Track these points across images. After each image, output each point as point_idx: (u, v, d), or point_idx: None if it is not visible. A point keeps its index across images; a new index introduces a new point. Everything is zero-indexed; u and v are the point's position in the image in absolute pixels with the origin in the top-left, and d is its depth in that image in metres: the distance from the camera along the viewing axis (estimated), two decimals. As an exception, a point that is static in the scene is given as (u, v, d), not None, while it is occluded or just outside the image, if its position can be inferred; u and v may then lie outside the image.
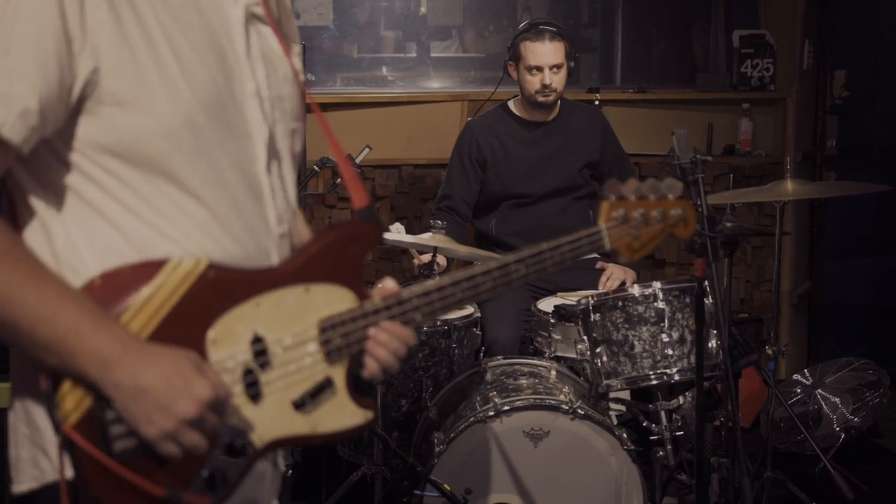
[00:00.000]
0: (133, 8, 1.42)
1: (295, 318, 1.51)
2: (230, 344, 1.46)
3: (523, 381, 3.45)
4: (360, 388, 1.59)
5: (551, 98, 4.17)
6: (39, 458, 1.45)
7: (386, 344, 1.56)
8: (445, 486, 3.19)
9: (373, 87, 5.35)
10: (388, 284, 1.60)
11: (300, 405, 1.51)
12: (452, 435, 3.23)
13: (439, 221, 3.69)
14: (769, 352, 3.86)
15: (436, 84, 5.43)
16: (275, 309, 1.49)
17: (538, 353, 3.76)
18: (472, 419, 3.23)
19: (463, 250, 3.74)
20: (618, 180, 1.80)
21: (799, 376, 4.51)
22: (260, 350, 1.47)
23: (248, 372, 1.47)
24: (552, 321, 3.73)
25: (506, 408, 3.24)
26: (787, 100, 5.28)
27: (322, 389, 1.53)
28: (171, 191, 1.46)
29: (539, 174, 4.25)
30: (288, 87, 1.63)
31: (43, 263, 1.39)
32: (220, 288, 1.45)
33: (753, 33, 5.30)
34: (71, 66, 1.39)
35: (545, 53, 4.13)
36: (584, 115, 4.37)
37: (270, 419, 1.49)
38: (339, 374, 1.55)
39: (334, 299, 1.55)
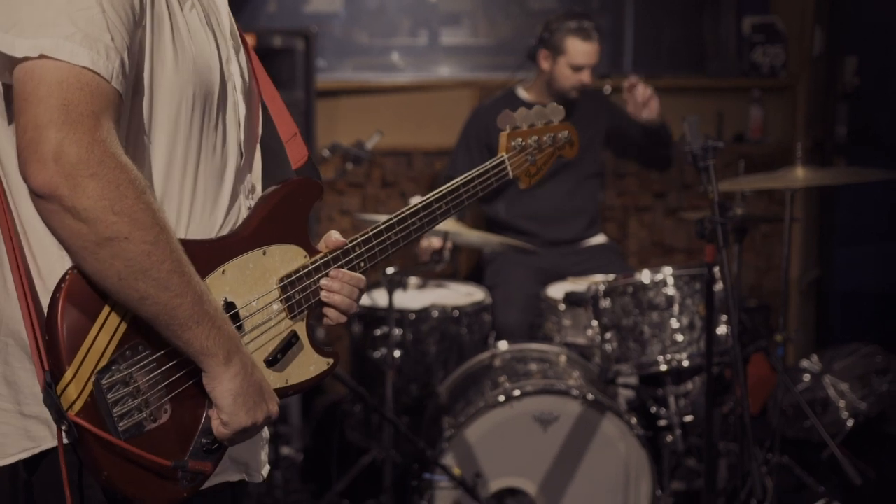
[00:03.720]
0: None
1: (258, 281, 1.59)
2: None
3: (533, 367, 3.47)
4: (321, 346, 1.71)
5: (580, 93, 4.22)
6: (32, 427, 1.48)
7: (339, 290, 1.68)
8: (455, 470, 3.21)
9: (383, 73, 5.35)
10: (333, 237, 1.71)
11: (272, 362, 1.59)
12: (462, 420, 3.25)
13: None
14: (778, 338, 3.87)
15: (446, 71, 5.43)
16: (239, 274, 1.56)
17: (547, 340, 3.77)
18: (482, 404, 3.25)
19: (474, 235, 3.75)
20: (511, 112, 1.95)
21: (807, 363, 4.52)
22: (232, 316, 1.54)
23: None
24: (562, 307, 3.75)
25: (516, 393, 3.26)
26: (798, 87, 5.27)
27: (290, 344, 1.62)
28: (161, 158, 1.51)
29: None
30: (246, 70, 1.69)
31: None
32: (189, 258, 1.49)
33: (764, 20, 5.29)
34: (136, 31, 1.44)
35: (591, 54, 4.17)
36: (589, 100, 4.38)
37: None
38: (301, 328, 1.65)
39: (288, 258, 1.64)
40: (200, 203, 1.55)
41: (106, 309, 1.41)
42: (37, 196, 1.34)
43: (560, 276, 4.04)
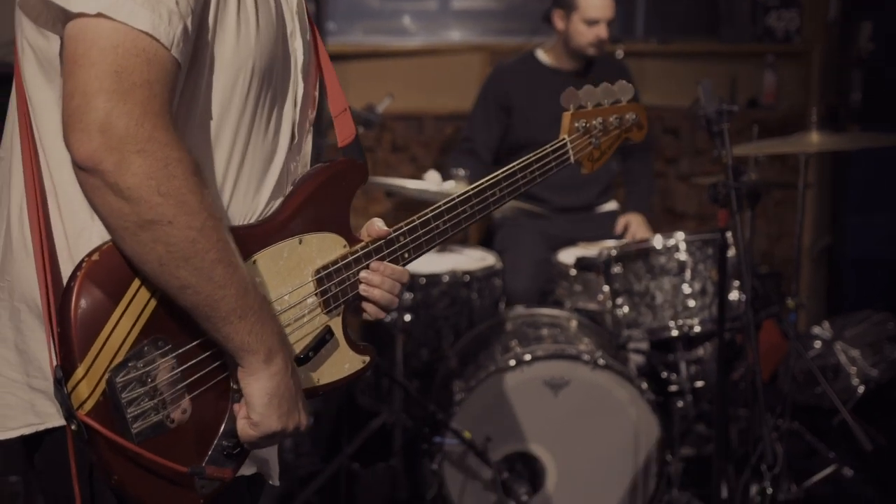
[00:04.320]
0: None
1: (291, 273, 1.48)
2: None
3: (544, 332, 3.47)
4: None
5: (600, 51, 4.17)
6: (39, 402, 1.40)
7: (379, 285, 1.56)
8: (466, 433, 3.21)
9: (394, 37, 5.32)
10: (376, 225, 1.59)
11: (303, 360, 1.49)
12: (473, 384, 3.25)
13: (462, 170, 3.69)
14: (790, 304, 3.85)
15: (457, 35, 5.39)
16: (273, 265, 1.45)
17: (558, 305, 3.77)
18: (492, 368, 3.25)
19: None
20: (575, 89, 1.80)
21: (818, 329, 4.50)
22: None
23: None
24: (573, 272, 3.74)
25: (527, 357, 3.25)
26: (812, 52, 5.22)
27: (323, 341, 1.51)
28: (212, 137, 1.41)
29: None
30: (309, 45, 1.59)
31: None
32: None
33: (778, -16, 5.24)
34: None
35: (605, 7, 4.12)
36: (612, 67, 4.35)
37: None
38: (336, 323, 1.54)
39: (326, 247, 1.53)
40: (244, 185, 1.45)
41: (125, 299, 1.31)
42: (79, 168, 1.25)
43: (571, 242, 4.02)
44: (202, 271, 1.28)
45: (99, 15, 1.22)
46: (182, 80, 1.33)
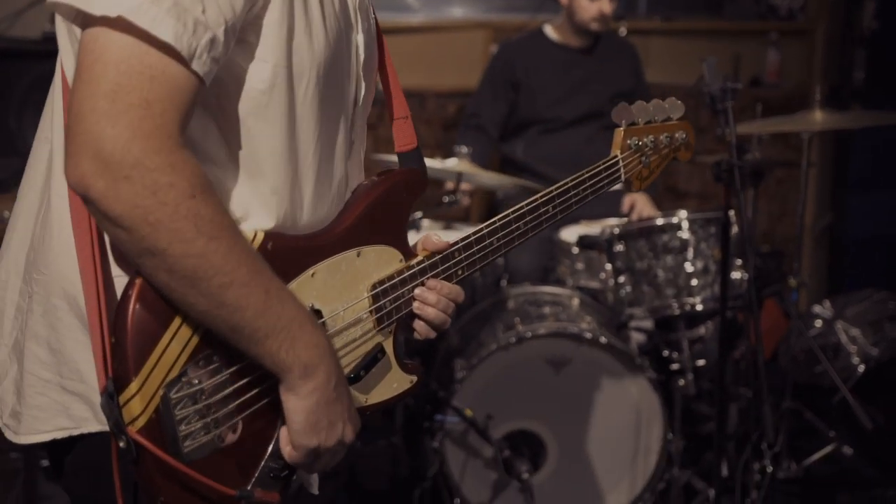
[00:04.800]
0: None
1: (347, 286, 1.43)
2: None
3: (546, 310, 3.47)
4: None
5: (604, 26, 4.15)
6: (73, 406, 1.34)
7: (435, 304, 1.51)
8: (467, 411, 3.21)
9: (397, 14, 5.29)
10: (433, 239, 1.55)
11: (354, 379, 1.44)
12: (474, 361, 3.25)
13: (464, 147, 3.68)
14: (792, 283, 3.86)
15: (460, 12, 5.36)
16: (330, 278, 1.41)
17: (560, 283, 3.76)
18: (494, 346, 3.25)
19: (488, 176, 3.73)
20: (627, 105, 1.75)
21: (819, 308, 4.50)
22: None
23: None
24: (575, 250, 3.73)
25: (528, 335, 3.25)
26: (816, 31, 5.20)
27: (374, 360, 1.47)
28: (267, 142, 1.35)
29: (570, 100, 4.23)
30: (372, 41, 1.53)
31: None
32: (278, 260, 1.32)
33: (783, -38, 5.21)
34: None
35: None
36: (618, 46, 4.34)
37: None
38: (388, 341, 1.50)
39: (383, 261, 1.48)
40: (306, 193, 1.38)
41: (180, 314, 1.25)
42: (73, 191, 1.18)
43: (573, 220, 4.01)
44: (211, 297, 1.21)
45: (119, 18, 1.15)
46: (237, 87, 1.29)
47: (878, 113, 4.01)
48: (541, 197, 1.64)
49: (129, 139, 1.14)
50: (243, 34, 1.27)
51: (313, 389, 1.30)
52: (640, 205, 4.04)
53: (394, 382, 1.52)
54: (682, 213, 3.47)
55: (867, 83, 5.29)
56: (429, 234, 1.56)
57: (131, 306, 1.22)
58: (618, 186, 1.77)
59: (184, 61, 1.18)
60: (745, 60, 5.18)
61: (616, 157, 1.73)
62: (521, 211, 1.62)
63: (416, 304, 1.52)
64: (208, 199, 1.20)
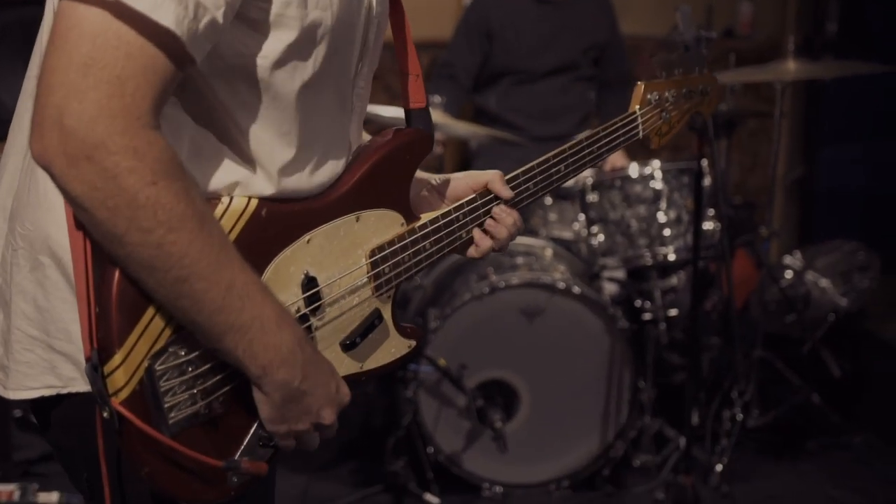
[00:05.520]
0: None
1: (345, 252, 1.39)
2: (283, 289, 1.33)
3: (519, 260, 3.47)
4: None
5: None
6: (61, 365, 1.31)
7: (510, 226, 1.55)
8: (440, 360, 3.22)
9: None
10: (497, 184, 1.55)
11: (350, 346, 1.41)
12: (448, 311, 3.25)
13: (437, 97, 3.66)
14: (763, 233, 3.88)
15: (432, -39, 5.31)
16: (327, 244, 1.37)
17: (533, 234, 3.77)
18: (467, 296, 3.26)
19: (461, 127, 3.71)
20: (649, 58, 1.71)
21: (790, 259, 4.54)
22: (312, 293, 1.36)
23: (300, 318, 1.35)
24: (548, 201, 3.74)
25: (502, 285, 3.26)
26: (789, -19, 5.20)
27: (371, 326, 1.43)
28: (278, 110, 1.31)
29: (544, 51, 4.20)
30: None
31: (224, 231, 1.23)
32: (272, 227, 1.30)
33: (756, -89, 5.19)
34: None
35: None
36: (596, 5, 4.30)
37: None
38: (386, 306, 1.46)
39: (384, 225, 1.43)
40: (314, 156, 1.35)
41: None
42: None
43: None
44: (168, 288, 1.17)
45: (117, 3, 1.09)
46: (247, 49, 1.24)
47: (850, 62, 4.02)
48: (554, 155, 1.60)
49: (93, 117, 1.09)
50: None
51: (275, 388, 1.26)
52: (614, 155, 4.04)
53: (391, 348, 1.49)
54: (655, 164, 3.48)
55: (840, 34, 5.30)
56: (494, 178, 1.55)
57: (116, 276, 1.18)
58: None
59: (171, 42, 1.13)
60: (718, 12, 5.16)
61: (634, 112, 1.67)
62: (533, 172, 1.58)
63: (489, 223, 1.53)
64: (171, 186, 1.13)
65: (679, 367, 3.95)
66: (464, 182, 1.59)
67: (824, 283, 4.37)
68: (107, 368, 1.19)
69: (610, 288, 3.68)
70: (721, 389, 3.60)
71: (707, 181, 3.30)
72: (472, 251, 1.56)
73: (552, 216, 3.73)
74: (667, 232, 3.44)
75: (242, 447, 1.31)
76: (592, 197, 3.50)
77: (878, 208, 5.46)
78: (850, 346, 4.35)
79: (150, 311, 1.20)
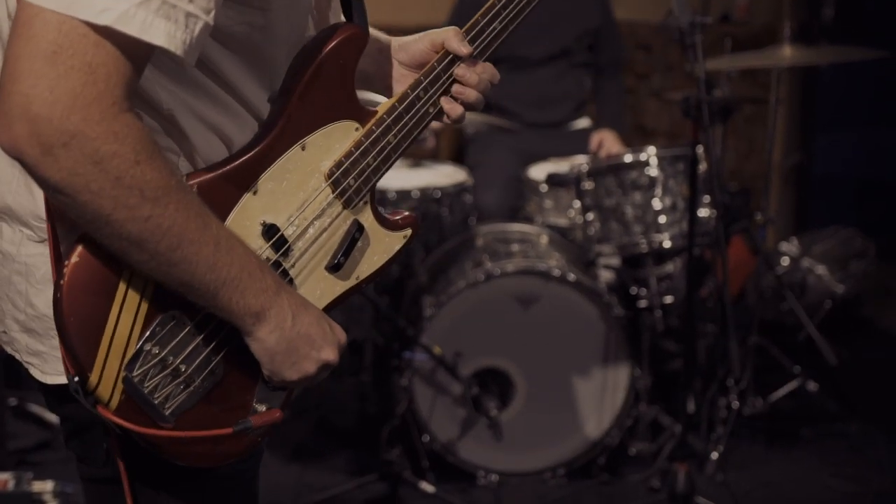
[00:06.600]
0: None
1: (300, 184, 1.35)
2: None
3: (515, 247, 3.46)
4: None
5: None
6: None
7: (476, 85, 1.50)
8: (436, 348, 3.22)
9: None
10: (453, 43, 1.51)
11: (336, 267, 1.39)
12: (443, 299, 3.24)
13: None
14: (759, 219, 3.87)
15: (426, -54, 5.28)
16: (276, 186, 1.33)
17: (529, 221, 3.76)
18: (462, 283, 3.24)
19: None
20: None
21: (786, 245, 4.53)
22: (276, 239, 1.33)
23: (273, 266, 1.34)
24: (544, 188, 3.72)
25: (497, 272, 3.25)
26: (786, -34, 5.18)
27: (353, 241, 1.40)
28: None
29: (539, 38, 4.18)
30: None
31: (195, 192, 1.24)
32: (210, 196, 1.26)
33: None
34: None
35: None
36: None
37: (312, 298, 1.38)
38: (365, 213, 1.42)
39: (335, 140, 1.38)
40: (257, 122, 1.35)
41: (119, 292, 1.21)
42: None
43: (543, 158, 4.00)
44: (160, 257, 1.17)
45: (107, 28, 1.08)
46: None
47: (846, 48, 4.01)
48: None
49: (68, 107, 1.07)
50: None
51: (270, 331, 1.28)
52: (609, 142, 4.02)
53: (384, 247, 1.46)
54: (651, 150, 3.46)
55: (836, 20, 5.28)
56: (450, 35, 1.52)
57: (64, 308, 1.19)
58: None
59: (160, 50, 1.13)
60: (714, -3, 5.16)
61: None
62: (496, 9, 1.62)
63: (456, 88, 1.48)
64: (153, 162, 1.14)
65: (675, 354, 3.94)
66: (423, 44, 1.55)
67: (821, 269, 4.36)
68: (88, 388, 1.22)
69: (606, 275, 3.67)
70: (717, 377, 3.59)
71: (703, 168, 3.28)
72: (445, 119, 1.51)
73: (548, 203, 3.72)
74: (662, 219, 3.42)
75: (254, 398, 1.34)
76: (588, 184, 3.48)
77: (875, 194, 5.45)
78: (846, 333, 4.35)
79: (112, 320, 1.21)
